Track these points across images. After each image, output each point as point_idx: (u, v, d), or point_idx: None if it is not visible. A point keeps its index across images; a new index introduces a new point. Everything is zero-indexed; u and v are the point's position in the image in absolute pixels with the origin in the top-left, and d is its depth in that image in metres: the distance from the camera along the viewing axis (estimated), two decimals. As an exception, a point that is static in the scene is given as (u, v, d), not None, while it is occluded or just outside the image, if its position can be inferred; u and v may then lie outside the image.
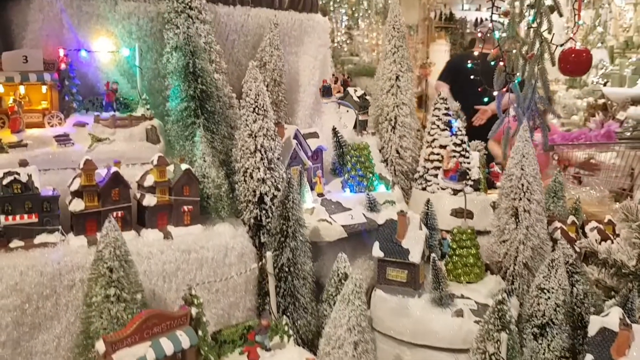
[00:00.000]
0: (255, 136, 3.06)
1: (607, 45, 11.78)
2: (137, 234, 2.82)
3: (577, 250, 3.30)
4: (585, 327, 2.61)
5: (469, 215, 3.56)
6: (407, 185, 4.14)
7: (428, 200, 3.43)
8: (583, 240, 3.37)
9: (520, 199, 3.20)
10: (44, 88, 3.07)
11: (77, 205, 2.67)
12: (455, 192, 3.66)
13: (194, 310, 2.41)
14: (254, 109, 3.07)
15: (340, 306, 2.52)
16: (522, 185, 3.19)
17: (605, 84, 9.94)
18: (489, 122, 5.46)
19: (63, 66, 3.11)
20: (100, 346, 2.17)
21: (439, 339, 2.86)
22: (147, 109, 3.23)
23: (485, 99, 4.14)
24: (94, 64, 3.30)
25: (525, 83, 3.88)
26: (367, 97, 4.27)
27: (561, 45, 3.80)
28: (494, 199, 3.71)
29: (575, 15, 3.76)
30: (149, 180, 2.84)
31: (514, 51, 3.91)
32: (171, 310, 2.50)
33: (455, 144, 3.77)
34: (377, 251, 3.07)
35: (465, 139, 3.81)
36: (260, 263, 2.82)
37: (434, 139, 3.85)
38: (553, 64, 3.87)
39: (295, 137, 3.50)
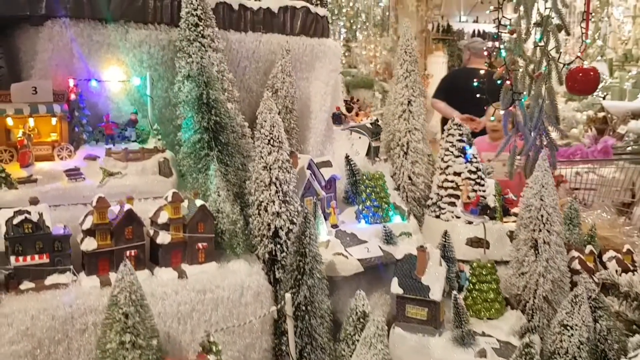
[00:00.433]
0: (270, 169, 2.98)
1: (606, 58, 11.84)
2: (151, 273, 2.73)
3: (596, 281, 3.23)
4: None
5: (486, 245, 3.49)
6: (420, 212, 4.05)
7: (445, 232, 3.36)
8: (603, 272, 3.30)
9: (540, 230, 3.11)
10: (53, 120, 3.00)
11: (90, 244, 2.59)
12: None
13: (212, 358, 2.32)
14: (269, 140, 2.99)
15: (362, 350, 2.45)
16: (542, 216, 3.11)
17: (604, 97, 9.96)
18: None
19: (73, 97, 3.04)
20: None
21: (461, 380, 2.78)
22: (159, 139, 3.15)
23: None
24: (104, 93, 3.23)
25: (531, 102, 3.82)
26: (379, 124, 4.20)
27: (568, 64, 3.74)
28: (509, 227, 3.64)
29: (583, 34, 3.69)
30: (163, 217, 2.75)
31: (521, 70, 3.85)
32: (188, 357, 2.41)
33: (470, 171, 3.70)
34: (396, 288, 2.98)
35: (480, 165, 3.74)
36: (279, 305, 2.73)
37: (447, 166, 3.78)
38: (561, 83, 3.81)
39: (309, 167, 3.42)
